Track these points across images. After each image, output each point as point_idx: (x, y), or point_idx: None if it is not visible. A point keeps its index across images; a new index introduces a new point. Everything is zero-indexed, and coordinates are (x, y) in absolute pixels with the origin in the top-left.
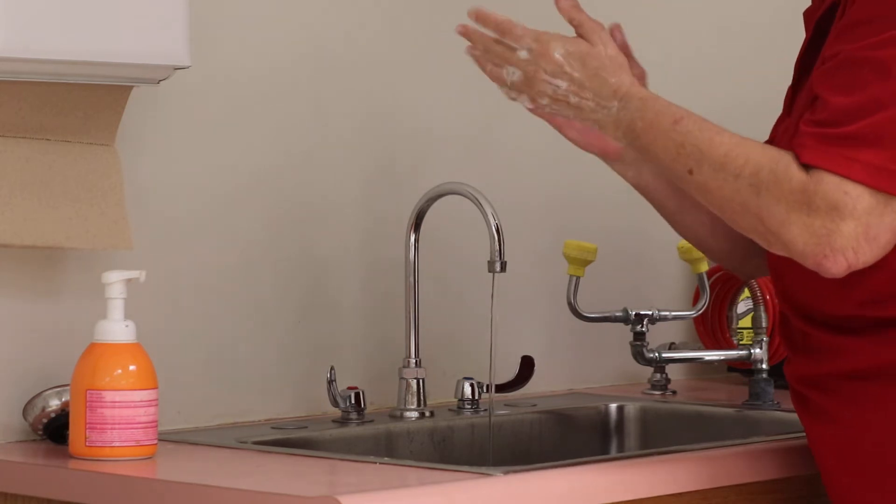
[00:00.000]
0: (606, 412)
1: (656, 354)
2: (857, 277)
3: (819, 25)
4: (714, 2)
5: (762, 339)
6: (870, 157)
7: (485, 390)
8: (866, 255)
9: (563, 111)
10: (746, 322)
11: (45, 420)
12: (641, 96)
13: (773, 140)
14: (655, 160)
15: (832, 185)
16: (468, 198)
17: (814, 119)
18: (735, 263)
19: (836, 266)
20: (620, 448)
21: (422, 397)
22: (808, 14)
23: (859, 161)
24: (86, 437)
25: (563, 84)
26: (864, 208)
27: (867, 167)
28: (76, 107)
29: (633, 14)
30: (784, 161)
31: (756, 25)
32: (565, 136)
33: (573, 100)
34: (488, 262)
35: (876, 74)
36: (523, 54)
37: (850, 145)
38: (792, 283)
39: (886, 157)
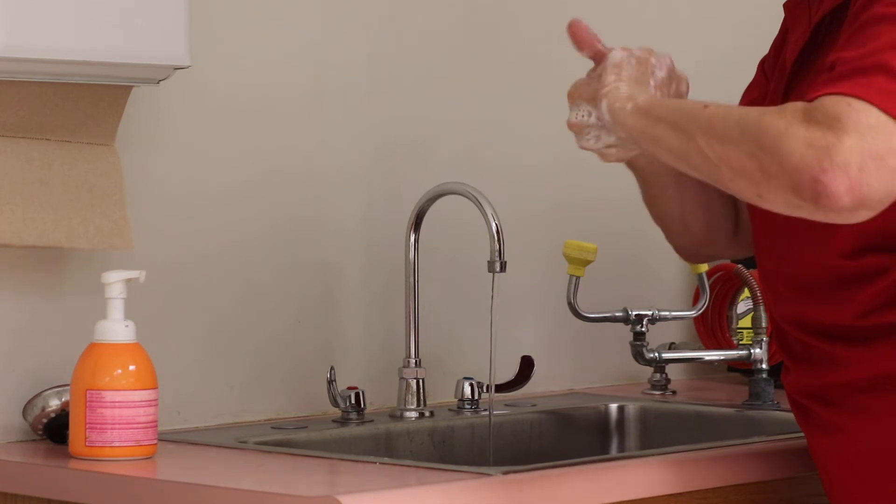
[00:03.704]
0: (606, 412)
1: (656, 354)
2: (856, 287)
3: (819, 28)
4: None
5: (762, 339)
6: (880, 83)
7: (485, 390)
8: (872, 176)
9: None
10: (746, 322)
11: (45, 420)
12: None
13: None
14: (668, 109)
15: (834, 100)
16: (468, 198)
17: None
18: (704, 240)
19: (836, 182)
20: (620, 448)
21: (422, 397)
22: (792, 8)
23: (868, 86)
24: (86, 437)
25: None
26: (868, 124)
27: (876, 90)
28: (76, 107)
29: (642, 17)
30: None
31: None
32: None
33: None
34: (488, 262)
35: (890, 24)
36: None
37: (860, 75)
38: (787, 294)
39: None
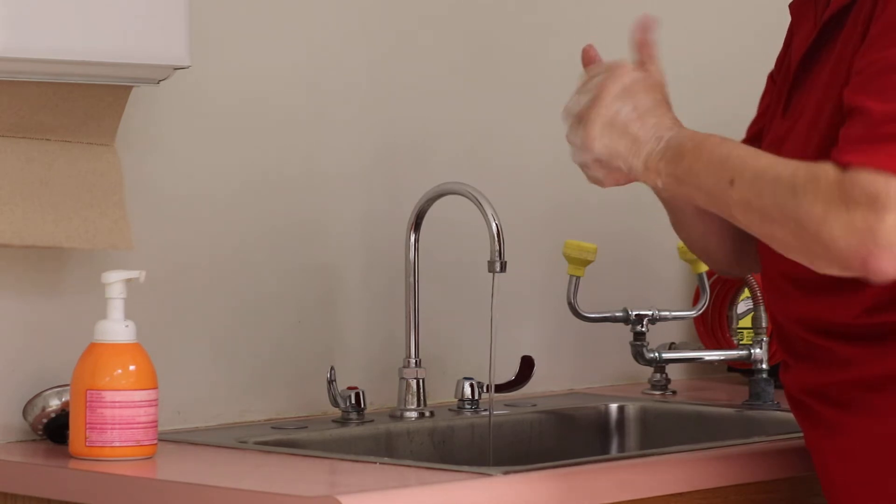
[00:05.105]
0: (606, 412)
1: (656, 354)
2: (864, 284)
3: (827, 26)
4: (727, 5)
5: (762, 339)
6: None
7: (485, 390)
8: None
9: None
10: (746, 322)
11: (45, 420)
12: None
13: (755, 141)
14: (696, 180)
15: (868, 177)
16: (468, 198)
17: (851, 127)
18: (732, 263)
19: (883, 262)
20: (620, 448)
21: (422, 397)
22: (797, 7)
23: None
24: (86, 437)
25: (624, 107)
26: None
27: None
28: (76, 107)
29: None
30: (823, 165)
31: (766, 28)
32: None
33: (633, 127)
34: (488, 262)
35: None
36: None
37: (887, 143)
38: (793, 293)
39: None
